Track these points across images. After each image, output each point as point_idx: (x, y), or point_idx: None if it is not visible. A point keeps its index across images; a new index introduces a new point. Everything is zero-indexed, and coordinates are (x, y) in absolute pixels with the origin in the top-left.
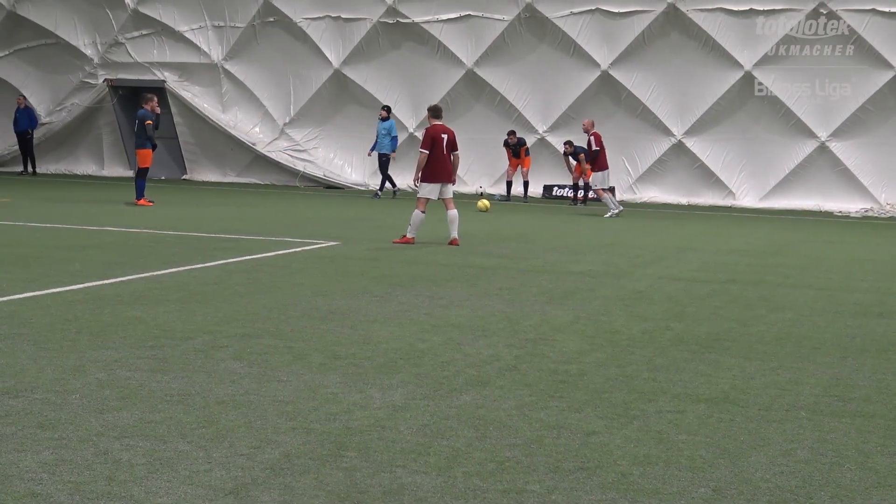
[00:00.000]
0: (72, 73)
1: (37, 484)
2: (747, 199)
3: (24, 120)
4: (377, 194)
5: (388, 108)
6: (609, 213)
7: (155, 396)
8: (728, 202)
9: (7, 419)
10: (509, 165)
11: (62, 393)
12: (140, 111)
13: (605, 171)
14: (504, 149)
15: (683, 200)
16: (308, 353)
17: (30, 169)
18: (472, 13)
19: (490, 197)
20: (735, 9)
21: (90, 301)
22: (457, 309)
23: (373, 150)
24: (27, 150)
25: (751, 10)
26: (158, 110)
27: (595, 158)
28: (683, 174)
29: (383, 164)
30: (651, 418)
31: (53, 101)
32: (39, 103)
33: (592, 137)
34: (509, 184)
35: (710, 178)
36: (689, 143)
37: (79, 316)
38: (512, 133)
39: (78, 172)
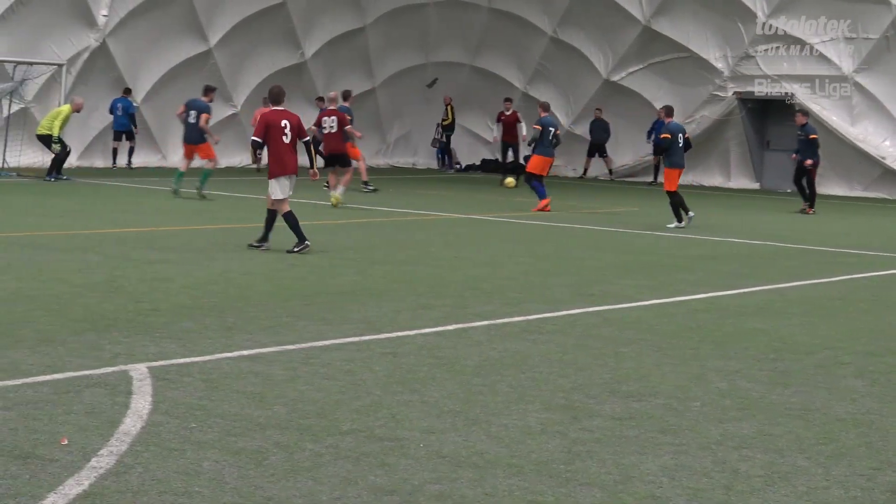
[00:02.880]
0: (702, 85)
1: (657, 487)
2: None
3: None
4: None
5: None
6: None
7: (774, 409)
8: None
9: (630, 422)
10: None
11: (684, 400)
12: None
13: None
14: None
15: None
16: None
17: (660, 179)
18: None
19: None
20: None
21: (713, 311)
22: None
23: None
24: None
25: None
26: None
27: None
28: None
29: None
30: None
31: (684, 113)
32: None
33: None
34: None
35: None
36: None
37: (702, 325)
38: None
39: (705, 184)
